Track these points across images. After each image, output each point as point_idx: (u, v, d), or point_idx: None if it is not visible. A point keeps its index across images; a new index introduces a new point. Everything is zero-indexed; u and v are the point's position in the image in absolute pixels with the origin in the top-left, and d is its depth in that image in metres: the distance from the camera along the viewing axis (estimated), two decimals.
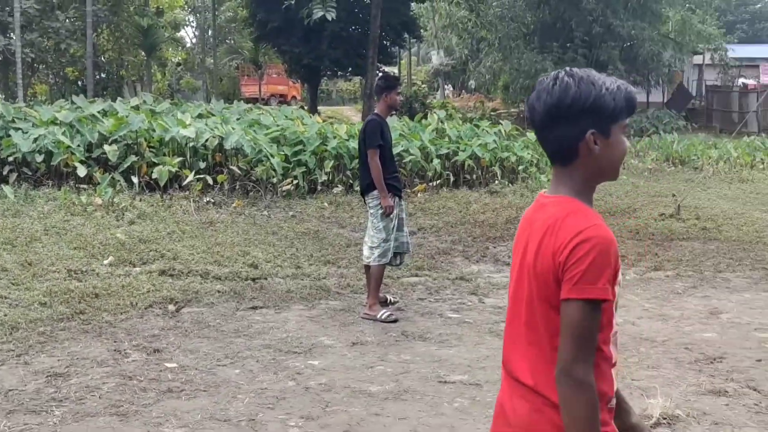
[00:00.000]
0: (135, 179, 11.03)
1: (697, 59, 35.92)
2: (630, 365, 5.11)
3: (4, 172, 10.96)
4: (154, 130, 11.92)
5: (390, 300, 6.50)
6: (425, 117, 16.38)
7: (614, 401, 1.88)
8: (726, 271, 7.75)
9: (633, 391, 4.65)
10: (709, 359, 5.24)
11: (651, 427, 4.14)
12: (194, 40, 52.83)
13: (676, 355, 5.33)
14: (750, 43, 46.43)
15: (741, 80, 33.64)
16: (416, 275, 7.54)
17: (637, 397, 4.54)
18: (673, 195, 11.28)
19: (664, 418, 4.22)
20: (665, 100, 32.96)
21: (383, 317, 6.06)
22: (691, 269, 7.82)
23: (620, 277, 1.84)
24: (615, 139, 1.85)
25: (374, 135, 6.18)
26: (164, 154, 11.53)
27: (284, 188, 11.48)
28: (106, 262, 7.41)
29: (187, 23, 51.20)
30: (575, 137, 1.82)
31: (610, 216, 10.65)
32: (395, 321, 6.05)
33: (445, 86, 48.16)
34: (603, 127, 1.83)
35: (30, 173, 11.09)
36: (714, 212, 10.64)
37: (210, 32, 45.12)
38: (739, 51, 36.68)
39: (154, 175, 10.98)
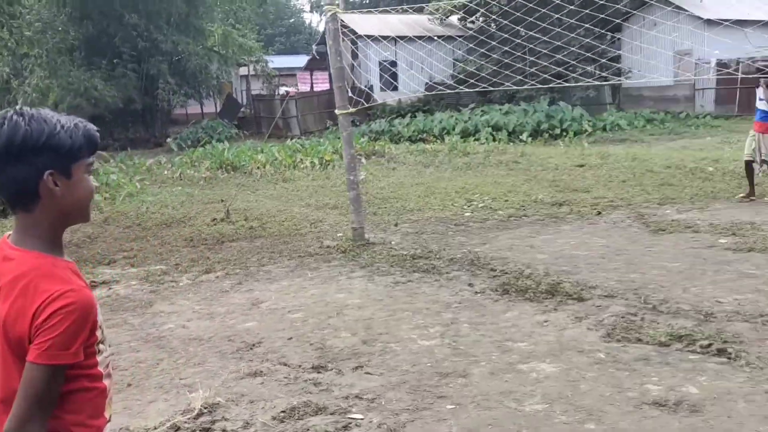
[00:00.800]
0: None
1: (243, 71, 38.44)
2: (178, 366, 5.41)
3: None
4: None
5: None
6: None
7: (108, 427, 1.94)
8: (268, 264, 8.49)
9: (180, 389, 4.95)
10: (248, 346, 5.77)
11: (193, 418, 4.47)
12: None
13: (221, 348, 5.76)
14: (288, 54, 51.15)
15: (283, 88, 36.82)
16: None
17: (183, 394, 4.85)
18: (222, 200, 11.98)
19: (206, 408, 4.58)
20: (218, 111, 34.57)
21: None
22: (238, 267, 8.40)
23: (100, 319, 1.87)
24: (78, 179, 1.81)
25: None
26: None
27: None
28: None
29: None
30: (33, 179, 1.75)
31: (165, 227, 10.88)
32: None
33: None
34: (62, 167, 1.77)
35: None
36: (260, 212, 11.51)
37: None
38: (279, 62, 40.22)
39: None
